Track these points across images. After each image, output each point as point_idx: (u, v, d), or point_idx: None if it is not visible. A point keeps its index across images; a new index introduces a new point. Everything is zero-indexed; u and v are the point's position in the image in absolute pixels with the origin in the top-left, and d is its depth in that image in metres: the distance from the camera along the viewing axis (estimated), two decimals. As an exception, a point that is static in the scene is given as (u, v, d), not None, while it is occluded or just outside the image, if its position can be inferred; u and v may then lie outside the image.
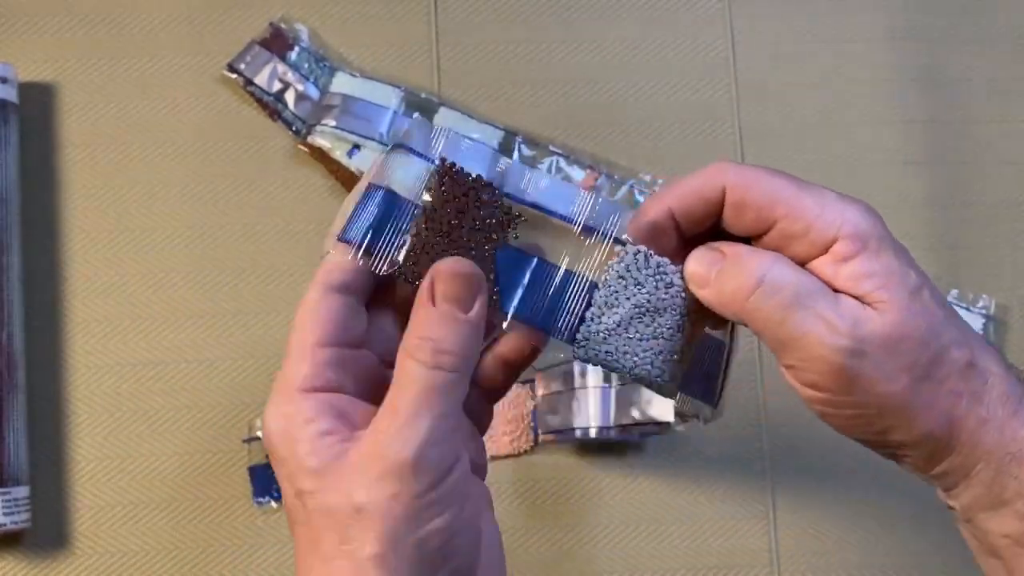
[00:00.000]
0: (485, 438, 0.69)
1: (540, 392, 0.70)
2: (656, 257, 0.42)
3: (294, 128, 0.72)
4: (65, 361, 0.70)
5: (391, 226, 0.42)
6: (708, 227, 0.43)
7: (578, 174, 0.72)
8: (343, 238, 0.42)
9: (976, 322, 0.72)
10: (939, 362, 0.38)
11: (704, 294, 0.41)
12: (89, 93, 0.73)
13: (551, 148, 0.72)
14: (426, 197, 0.43)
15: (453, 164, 0.43)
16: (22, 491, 0.66)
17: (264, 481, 0.69)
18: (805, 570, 0.71)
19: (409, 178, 0.43)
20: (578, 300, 0.42)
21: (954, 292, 0.73)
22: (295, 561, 0.39)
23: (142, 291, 0.71)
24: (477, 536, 0.39)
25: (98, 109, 0.73)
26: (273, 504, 0.69)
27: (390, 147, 0.44)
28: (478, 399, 0.44)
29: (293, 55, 0.73)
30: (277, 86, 0.73)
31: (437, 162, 0.43)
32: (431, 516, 0.37)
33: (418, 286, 0.40)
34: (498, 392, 0.45)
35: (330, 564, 0.37)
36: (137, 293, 0.71)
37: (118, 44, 0.74)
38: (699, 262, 0.41)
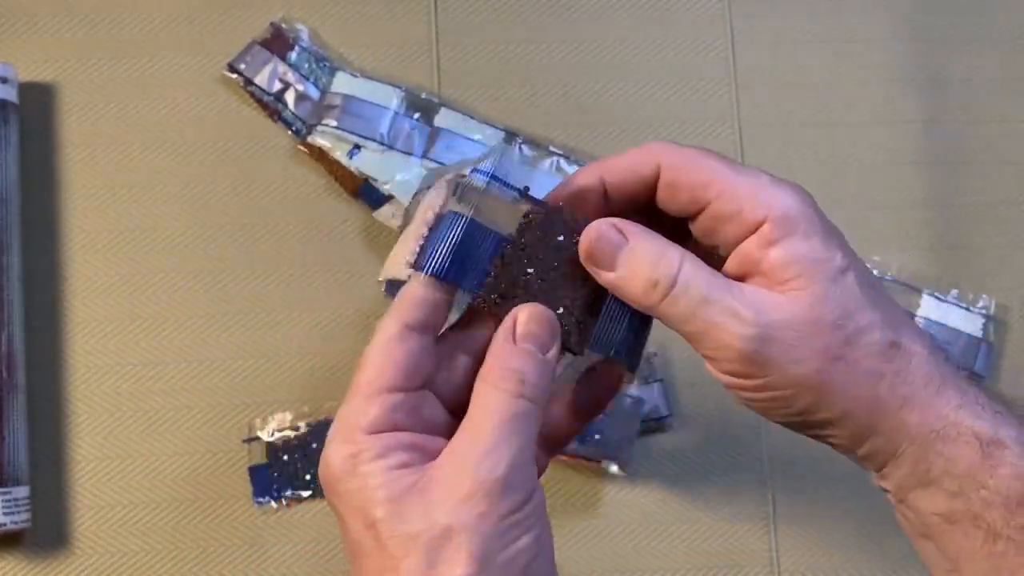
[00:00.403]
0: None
1: None
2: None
3: (294, 128, 0.72)
4: (65, 361, 0.70)
5: (474, 255, 0.41)
6: (639, 205, 0.43)
7: None
8: (420, 266, 0.41)
9: (976, 322, 0.72)
10: (855, 343, 0.39)
11: (608, 279, 0.41)
12: (89, 93, 0.73)
13: (551, 148, 0.72)
14: (510, 228, 0.42)
15: (533, 197, 0.42)
16: (22, 491, 0.66)
17: (264, 481, 0.69)
18: (805, 570, 0.71)
19: (487, 206, 0.42)
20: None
21: (954, 292, 0.73)
22: None
23: (142, 291, 0.71)
24: (553, 560, 0.40)
25: (98, 109, 0.73)
26: (273, 504, 0.69)
27: (461, 172, 0.43)
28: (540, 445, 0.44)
29: (293, 55, 0.73)
30: (277, 86, 0.73)
31: (519, 193, 0.42)
32: (517, 535, 0.37)
33: (498, 317, 0.41)
34: (559, 441, 0.45)
35: None
36: (137, 293, 0.71)
37: (118, 44, 0.74)
38: (600, 242, 0.41)
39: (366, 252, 0.72)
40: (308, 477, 0.69)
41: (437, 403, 0.42)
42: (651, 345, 0.71)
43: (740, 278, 0.41)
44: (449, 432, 0.40)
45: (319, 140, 0.71)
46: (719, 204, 0.40)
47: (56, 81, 0.73)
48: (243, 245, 0.72)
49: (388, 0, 0.75)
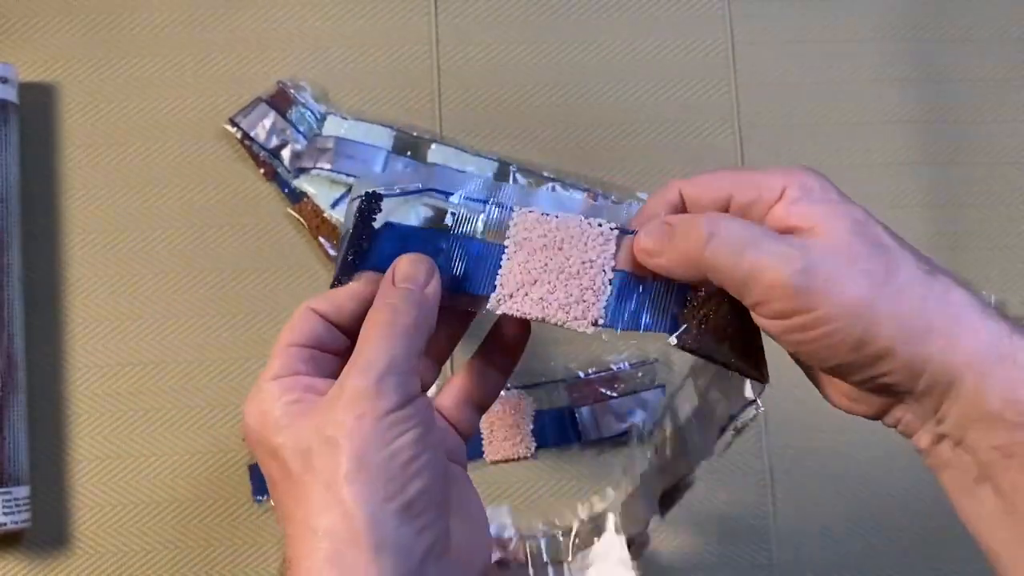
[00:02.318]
0: (484, 443, 0.70)
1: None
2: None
3: (286, 190, 0.72)
4: (65, 361, 0.70)
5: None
6: None
7: (577, 196, 0.72)
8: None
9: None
10: (894, 270, 0.40)
11: (658, 263, 0.44)
12: (89, 93, 0.73)
13: (545, 174, 0.72)
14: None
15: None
16: (22, 491, 0.66)
17: (263, 479, 0.69)
18: (805, 570, 0.71)
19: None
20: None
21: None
22: (281, 529, 0.41)
23: (142, 291, 0.71)
24: (444, 466, 0.42)
25: (98, 109, 0.73)
26: (272, 503, 0.69)
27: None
28: (467, 405, 0.49)
29: (294, 114, 0.72)
30: (275, 142, 0.72)
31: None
32: (397, 433, 0.40)
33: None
34: (487, 400, 0.49)
35: (316, 498, 0.39)
36: (137, 293, 0.71)
37: (118, 45, 0.74)
38: (649, 235, 0.44)
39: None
40: (308, 477, 0.69)
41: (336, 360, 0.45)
42: (653, 352, 0.71)
43: None
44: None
45: (305, 185, 0.71)
46: (739, 195, 0.43)
47: (56, 81, 0.73)
48: (243, 245, 0.72)
49: (391, 50, 0.75)
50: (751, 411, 0.48)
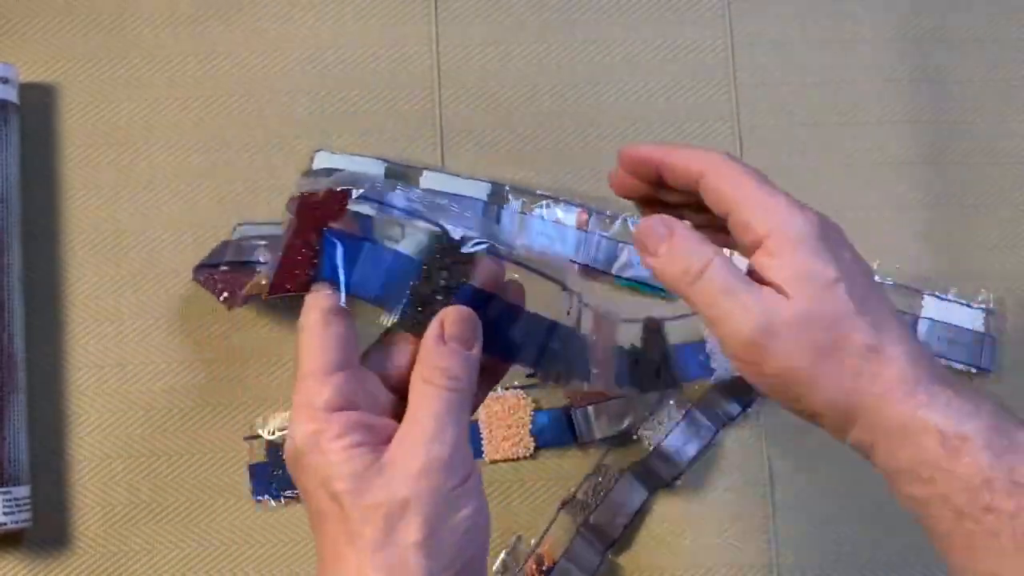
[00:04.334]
0: (484, 442, 0.70)
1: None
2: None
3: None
4: (65, 361, 0.71)
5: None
6: (688, 195, 0.50)
7: (571, 212, 0.72)
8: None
9: (977, 318, 0.73)
10: (840, 344, 0.45)
11: (650, 263, 0.48)
12: (89, 94, 0.73)
13: (539, 193, 0.72)
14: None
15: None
16: (23, 491, 0.66)
17: (263, 479, 0.69)
18: (805, 570, 0.71)
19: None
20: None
21: (954, 290, 0.73)
22: (320, 555, 0.44)
23: (142, 291, 0.72)
24: (488, 529, 0.46)
25: (98, 109, 0.73)
26: (272, 502, 0.69)
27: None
28: None
29: None
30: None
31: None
32: (460, 507, 0.44)
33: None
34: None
35: (376, 554, 0.42)
36: (137, 293, 0.71)
37: (118, 45, 0.74)
38: (650, 232, 0.48)
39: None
40: (307, 477, 0.69)
41: (376, 379, 0.47)
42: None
43: (755, 281, 0.47)
44: (392, 409, 0.47)
45: None
46: (737, 215, 0.47)
47: (57, 82, 0.73)
48: (243, 245, 0.72)
49: (391, 50, 0.76)
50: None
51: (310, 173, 0.72)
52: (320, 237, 0.47)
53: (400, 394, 0.47)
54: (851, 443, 0.47)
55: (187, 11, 0.75)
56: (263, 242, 0.69)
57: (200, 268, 0.70)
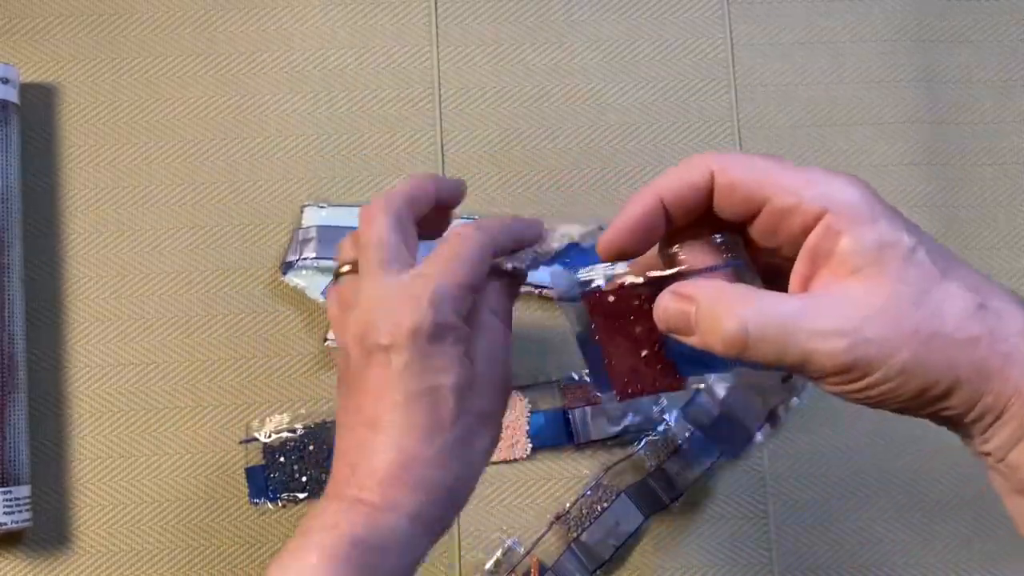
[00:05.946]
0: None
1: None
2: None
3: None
4: (65, 361, 0.71)
5: None
6: (699, 216, 0.44)
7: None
8: None
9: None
10: (941, 316, 0.40)
11: (694, 343, 0.43)
12: (89, 94, 0.74)
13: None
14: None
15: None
16: (23, 490, 0.67)
17: (260, 482, 0.69)
18: (805, 570, 0.71)
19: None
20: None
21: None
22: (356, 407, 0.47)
23: (142, 291, 0.72)
24: (501, 335, 0.49)
25: (98, 109, 0.73)
26: (268, 505, 0.69)
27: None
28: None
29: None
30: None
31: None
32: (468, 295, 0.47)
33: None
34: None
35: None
36: (137, 293, 0.72)
37: (119, 45, 0.74)
38: (668, 313, 0.43)
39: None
40: (304, 479, 0.69)
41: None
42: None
43: (811, 273, 0.42)
44: None
45: (294, 280, 0.71)
46: (777, 200, 0.41)
47: (57, 82, 0.74)
48: (244, 244, 0.72)
49: (391, 50, 0.75)
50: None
51: (300, 229, 0.71)
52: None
53: None
54: (972, 419, 0.41)
55: (187, 10, 0.75)
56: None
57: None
